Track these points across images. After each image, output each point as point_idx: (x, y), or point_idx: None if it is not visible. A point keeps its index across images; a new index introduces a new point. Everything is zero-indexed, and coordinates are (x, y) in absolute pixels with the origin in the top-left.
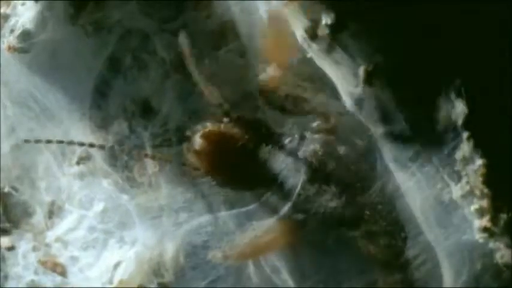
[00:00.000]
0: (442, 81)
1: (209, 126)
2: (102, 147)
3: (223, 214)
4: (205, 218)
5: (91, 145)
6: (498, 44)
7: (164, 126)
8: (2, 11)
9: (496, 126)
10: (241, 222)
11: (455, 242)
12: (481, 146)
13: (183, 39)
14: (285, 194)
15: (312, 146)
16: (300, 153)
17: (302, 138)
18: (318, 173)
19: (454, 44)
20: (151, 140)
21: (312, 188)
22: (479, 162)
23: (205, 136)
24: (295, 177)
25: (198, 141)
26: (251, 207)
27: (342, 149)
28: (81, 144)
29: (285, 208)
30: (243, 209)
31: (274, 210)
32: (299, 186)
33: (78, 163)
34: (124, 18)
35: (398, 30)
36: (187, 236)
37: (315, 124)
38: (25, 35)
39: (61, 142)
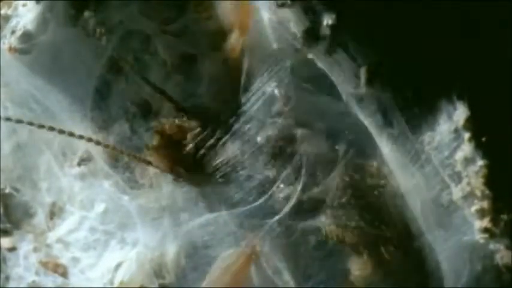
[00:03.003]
0: (443, 83)
1: (164, 121)
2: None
3: (224, 214)
4: (206, 218)
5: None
6: (499, 45)
7: None
8: (3, 12)
9: (497, 127)
10: (242, 222)
11: (455, 243)
12: (482, 147)
13: None
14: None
15: (269, 131)
16: (258, 139)
17: (261, 124)
18: (276, 158)
19: (456, 45)
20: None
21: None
22: (480, 163)
23: (160, 131)
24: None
25: (154, 137)
26: (253, 206)
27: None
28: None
29: (286, 209)
30: (244, 209)
31: (274, 211)
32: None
33: (79, 164)
34: (125, 20)
35: (399, 31)
36: (188, 237)
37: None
38: (26, 36)
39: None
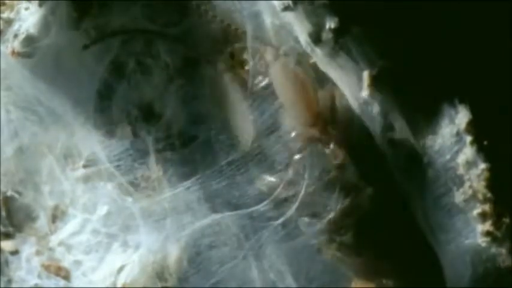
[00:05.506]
0: (445, 86)
1: None
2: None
3: (227, 216)
4: (209, 220)
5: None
6: (501, 48)
7: (168, 130)
8: (5, 15)
9: (499, 130)
10: (245, 224)
11: (457, 246)
12: (483, 150)
13: None
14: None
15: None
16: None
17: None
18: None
19: (458, 49)
20: (155, 145)
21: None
22: (482, 166)
23: None
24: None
25: None
26: (255, 208)
27: None
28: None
29: (292, 209)
30: (248, 210)
31: (277, 214)
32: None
33: (83, 167)
34: (127, 23)
35: (401, 34)
36: (190, 239)
37: None
38: (29, 40)
39: None
